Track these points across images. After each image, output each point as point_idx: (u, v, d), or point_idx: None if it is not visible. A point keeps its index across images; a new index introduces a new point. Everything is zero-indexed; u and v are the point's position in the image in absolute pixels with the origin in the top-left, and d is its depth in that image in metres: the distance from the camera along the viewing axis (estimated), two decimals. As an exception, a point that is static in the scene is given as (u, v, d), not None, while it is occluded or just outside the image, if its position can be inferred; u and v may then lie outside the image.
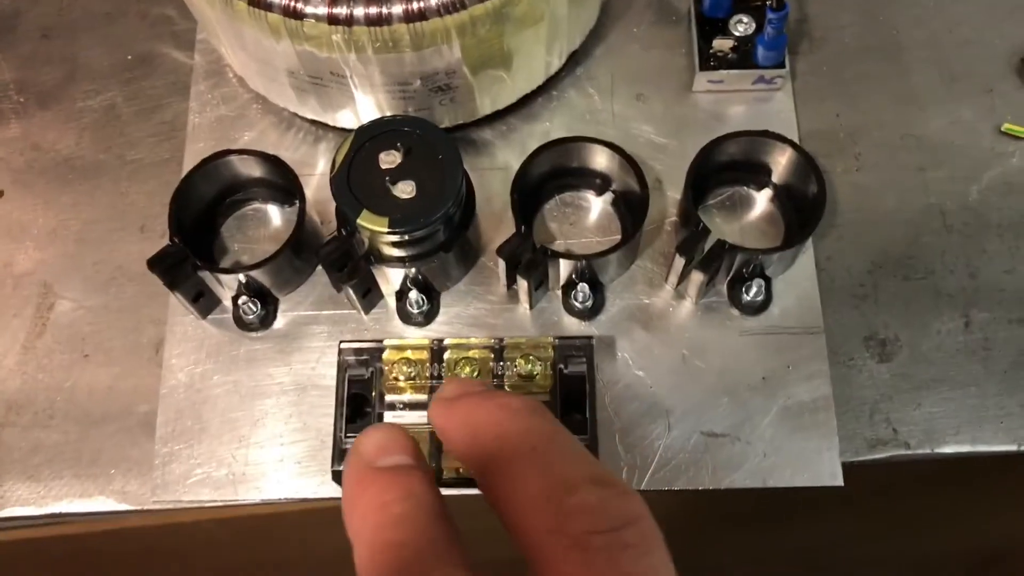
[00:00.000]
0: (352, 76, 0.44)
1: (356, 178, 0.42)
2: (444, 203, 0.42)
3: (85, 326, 0.49)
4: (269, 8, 0.41)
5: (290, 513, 0.59)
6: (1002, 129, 0.51)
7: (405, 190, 0.42)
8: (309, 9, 0.40)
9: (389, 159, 0.42)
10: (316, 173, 0.50)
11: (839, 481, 0.44)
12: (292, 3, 0.40)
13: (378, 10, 0.40)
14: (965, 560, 0.90)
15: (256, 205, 0.49)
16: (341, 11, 0.40)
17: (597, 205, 0.49)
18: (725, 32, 0.49)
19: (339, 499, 0.44)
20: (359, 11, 0.40)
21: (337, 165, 0.42)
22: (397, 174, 0.42)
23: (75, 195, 0.51)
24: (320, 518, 0.65)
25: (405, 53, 0.42)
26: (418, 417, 0.43)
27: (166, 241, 0.49)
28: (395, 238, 0.42)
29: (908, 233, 0.49)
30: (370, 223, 0.41)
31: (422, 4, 0.40)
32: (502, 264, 0.45)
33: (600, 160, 0.47)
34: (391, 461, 0.25)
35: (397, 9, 0.40)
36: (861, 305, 0.48)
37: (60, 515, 0.46)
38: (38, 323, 0.49)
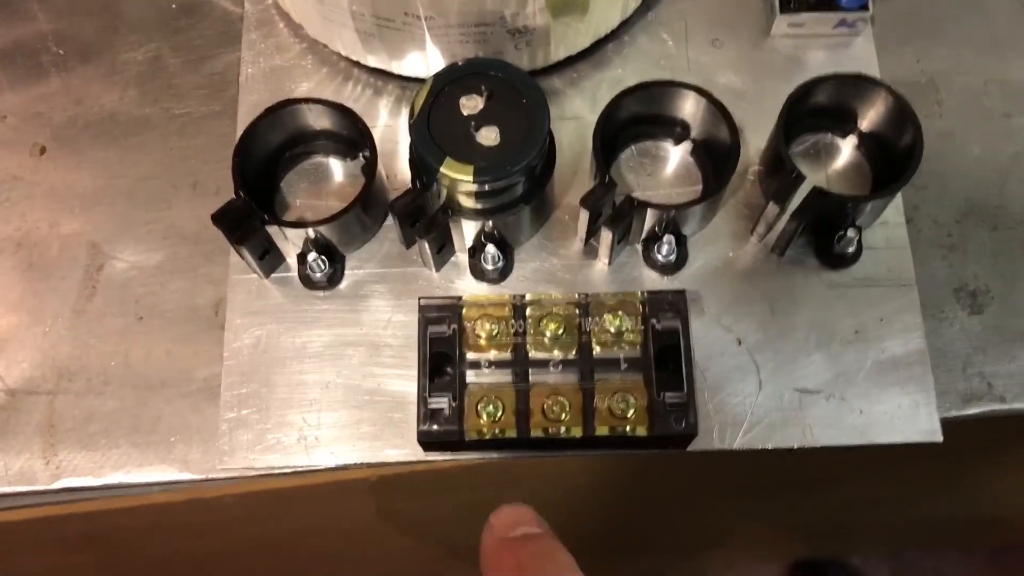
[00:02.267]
0: (428, 16, 0.41)
1: (437, 125, 0.40)
2: (531, 150, 0.39)
3: (138, 288, 0.46)
4: (346, -58, 0.38)
5: (314, 486, 0.57)
6: (1088, 73, 0.49)
7: (489, 137, 0.40)
8: (390, -58, 0.38)
9: (471, 104, 0.40)
10: (379, 125, 0.48)
11: (938, 437, 0.42)
12: (371, -64, 0.38)
13: (463, -57, 0.38)
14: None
15: (318, 159, 0.47)
16: (423, -56, 0.38)
17: (676, 154, 0.47)
18: (806, -28, 0.47)
19: (418, 462, 0.42)
20: (443, -56, 0.38)
21: (416, 111, 0.40)
22: (480, 120, 0.40)
23: (121, 151, 0.49)
24: (355, 487, 0.63)
25: (487, -9, 0.39)
26: (502, 376, 0.41)
27: (220, 198, 0.47)
28: (477, 188, 0.40)
29: (995, 181, 0.47)
30: (454, 172, 0.39)
31: (509, -63, 0.38)
32: (583, 216, 0.42)
33: (683, 107, 0.44)
34: (522, 531, 0.30)
35: (483, -58, 0.38)
36: (950, 256, 0.46)
37: (119, 485, 0.44)
38: (88, 286, 0.47)
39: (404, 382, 0.43)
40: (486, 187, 0.40)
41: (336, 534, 0.80)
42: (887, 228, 0.45)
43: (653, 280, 0.45)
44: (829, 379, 0.43)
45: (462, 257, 0.45)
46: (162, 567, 0.82)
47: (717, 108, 0.43)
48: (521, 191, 0.42)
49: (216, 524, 0.71)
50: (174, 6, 0.51)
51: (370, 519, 0.75)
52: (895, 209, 0.45)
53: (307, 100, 0.43)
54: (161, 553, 0.79)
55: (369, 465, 0.43)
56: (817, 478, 0.74)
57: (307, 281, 0.45)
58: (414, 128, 0.40)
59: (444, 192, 0.41)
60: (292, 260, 0.45)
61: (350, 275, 0.45)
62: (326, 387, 0.43)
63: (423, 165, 0.40)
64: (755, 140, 0.47)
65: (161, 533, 0.73)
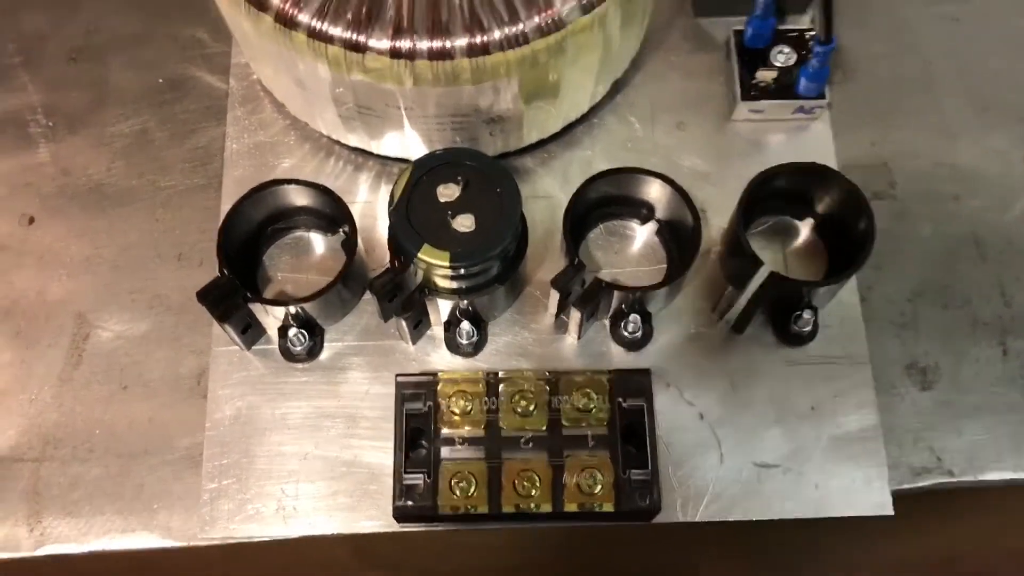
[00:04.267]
0: (407, 107, 0.43)
1: (415, 211, 0.42)
2: (504, 237, 0.41)
3: (123, 357, 0.48)
4: (330, 41, 0.40)
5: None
6: (1032, 159, 0.52)
7: (464, 224, 0.42)
8: (372, 43, 0.40)
9: (448, 192, 0.42)
10: (358, 201, 0.50)
11: (889, 511, 0.45)
12: (354, 36, 0.40)
13: (441, 44, 0.40)
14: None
15: (299, 233, 0.49)
16: (404, 45, 0.40)
17: (642, 234, 0.49)
18: (766, 62, 0.50)
19: (396, 533, 0.44)
20: (422, 45, 0.40)
21: (396, 198, 0.42)
22: (457, 207, 0.42)
23: (108, 221, 0.50)
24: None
25: (464, 87, 0.42)
26: (474, 452, 0.43)
27: (204, 269, 0.49)
28: (453, 272, 0.42)
29: (945, 261, 0.50)
30: (431, 257, 0.41)
31: (485, 39, 0.40)
32: (554, 295, 0.44)
33: (648, 190, 0.47)
34: None
35: (460, 43, 0.40)
36: (902, 334, 0.49)
37: (103, 553, 0.45)
38: (74, 354, 0.48)
39: (380, 454, 0.45)
40: (462, 271, 0.42)
41: (313, 572, 0.80)
42: (842, 307, 0.48)
43: (620, 354, 0.47)
44: (786, 453, 0.45)
45: (438, 331, 0.47)
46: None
47: (680, 195, 0.45)
48: (495, 272, 0.44)
49: (196, 569, 0.72)
50: (161, 80, 0.53)
51: (346, 559, 0.76)
52: (849, 290, 0.48)
53: (290, 181, 0.45)
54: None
55: (344, 536, 0.44)
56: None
57: (287, 354, 0.46)
58: (394, 214, 0.42)
59: (421, 273, 0.43)
60: (273, 333, 0.47)
61: (329, 347, 0.47)
62: (304, 458, 0.45)
63: (402, 249, 0.42)
64: (717, 220, 0.49)
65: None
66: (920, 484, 0.46)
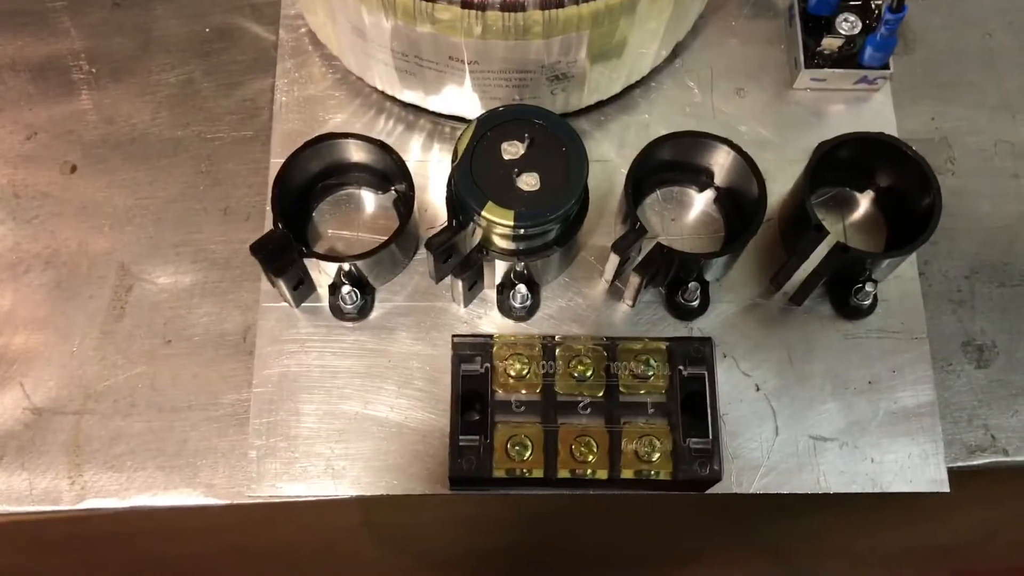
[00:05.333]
0: (471, 61, 0.42)
1: (479, 168, 0.41)
2: (570, 197, 0.40)
3: (167, 311, 0.47)
4: (400, -11, 0.39)
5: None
6: (1093, 138, 0.51)
7: (529, 182, 0.41)
8: (444, -8, 0.39)
9: (512, 149, 0.41)
10: (411, 160, 0.48)
11: (945, 487, 0.44)
12: (426, -15, 0.39)
13: (515, -5, 0.39)
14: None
15: (350, 190, 0.48)
16: (477, -5, 0.39)
17: (699, 201, 0.48)
18: (830, 30, 0.49)
19: (442, 494, 0.43)
20: (495, -4, 0.39)
21: (460, 153, 0.41)
22: (521, 165, 0.41)
23: (152, 172, 0.49)
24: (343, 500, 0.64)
25: (533, 41, 0.41)
26: (530, 416, 0.42)
27: (250, 224, 0.48)
28: (515, 232, 0.41)
29: (1003, 239, 0.49)
30: (496, 215, 0.40)
31: (560, -9, 0.39)
32: (612, 259, 0.44)
33: (710, 157, 0.46)
34: None
35: (534, -5, 0.39)
36: (959, 310, 0.48)
37: (144, 508, 0.45)
38: (116, 306, 0.47)
39: (429, 415, 0.44)
40: (524, 231, 0.41)
41: (313, 547, 0.80)
42: (901, 282, 0.47)
43: (674, 324, 0.46)
44: (843, 427, 0.45)
45: (489, 293, 0.46)
46: (139, 571, 0.81)
47: (746, 162, 0.44)
48: (554, 235, 0.43)
49: (199, 530, 0.71)
50: (207, 29, 0.52)
51: (350, 532, 0.75)
52: (909, 264, 0.47)
53: (349, 135, 0.44)
54: (140, 557, 0.78)
55: (396, 503, 0.43)
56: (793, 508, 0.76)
57: (337, 312, 0.45)
58: (457, 170, 0.41)
59: (480, 233, 0.42)
60: (323, 291, 0.46)
61: (379, 307, 0.46)
62: (353, 418, 0.44)
63: (464, 207, 0.41)
64: (775, 189, 0.48)
65: (143, 538, 0.73)
66: (974, 462, 0.46)
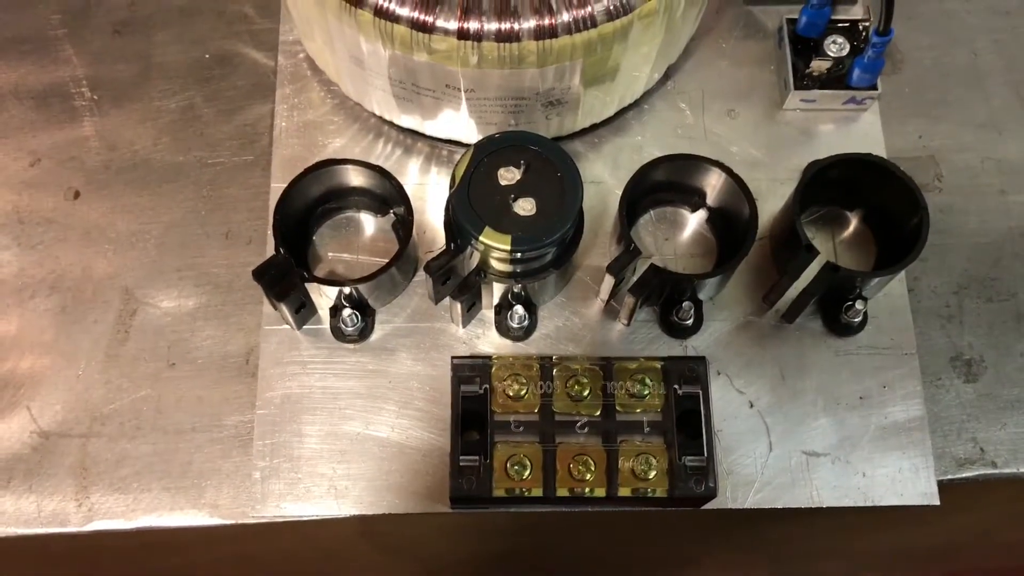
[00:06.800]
0: (467, 89, 0.43)
1: (476, 194, 0.42)
2: (565, 222, 0.41)
3: (170, 334, 0.48)
4: (396, 20, 0.40)
5: None
6: (1077, 154, 0.52)
7: (525, 207, 0.42)
8: (440, 23, 0.40)
9: (509, 175, 0.42)
10: (409, 184, 0.49)
11: (935, 500, 0.45)
12: (422, 17, 0.40)
13: (509, 26, 0.40)
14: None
15: (350, 213, 0.49)
16: (472, 26, 0.40)
17: (692, 221, 0.49)
18: (819, 52, 0.50)
19: (445, 513, 0.44)
20: (490, 26, 0.40)
21: (457, 179, 0.42)
22: (517, 191, 0.42)
23: (154, 198, 0.50)
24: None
25: (528, 69, 0.41)
26: (529, 436, 0.43)
27: (252, 248, 0.49)
28: (512, 256, 0.42)
29: (990, 254, 0.50)
30: (493, 240, 0.41)
31: (553, 21, 0.40)
32: (608, 280, 0.45)
33: (703, 177, 0.47)
34: None
35: (528, 25, 0.40)
36: (947, 326, 0.49)
37: (150, 529, 0.45)
38: (121, 330, 0.48)
39: (430, 435, 0.45)
40: (519, 255, 0.42)
41: (315, 555, 0.81)
42: (890, 299, 0.48)
43: (669, 342, 0.47)
44: (835, 442, 0.45)
45: (488, 314, 0.47)
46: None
47: (737, 183, 0.45)
48: (551, 257, 0.44)
49: (202, 541, 0.72)
50: (207, 56, 0.53)
51: (351, 540, 0.76)
52: (898, 281, 0.48)
53: (348, 161, 0.45)
54: (144, 571, 0.79)
55: (396, 516, 0.44)
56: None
57: (338, 334, 0.46)
58: (455, 196, 0.41)
59: (478, 256, 0.43)
60: (324, 313, 0.46)
61: (379, 329, 0.47)
62: (355, 439, 0.45)
63: (462, 231, 0.42)
64: (766, 208, 0.49)
65: (146, 551, 0.73)
66: (964, 475, 0.47)
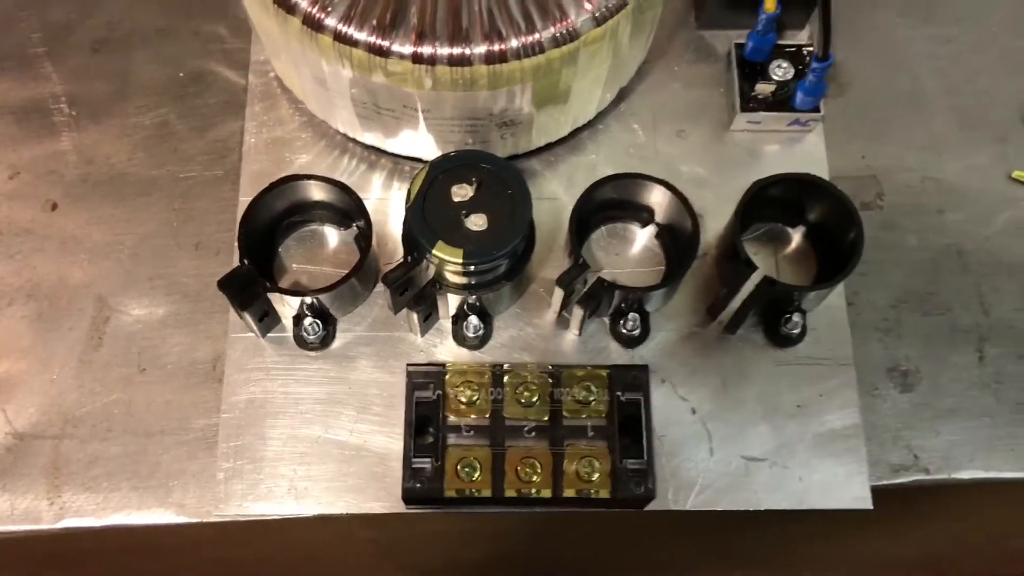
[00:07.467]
0: (424, 109, 0.45)
1: (431, 209, 0.44)
2: (515, 236, 0.44)
3: (141, 341, 0.50)
4: (355, 44, 0.42)
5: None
6: (1012, 176, 0.54)
7: (477, 223, 0.44)
8: (395, 47, 0.42)
9: (462, 192, 0.44)
10: (371, 198, 0.52)
11: (868, 505, 0.47)
12: (378, 41, 0.42)
13: (461, 51, 0.42)
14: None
15: (314, 227, 0.51)
16: (425, 50, 0.42)
17: (642, 237, 0.51)
18: (764, 75, 0.52)
19: (400, 514, 0.46)
20: (443, 51, 0.42)
21: (412, 196, 0.44)
22: (470, 207, 0.44)
23: (129, 210, 0.52)
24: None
25: (480, 92, 0.44)
26: (479, 439, 0.45)
27: (220, 259, 0.51)
28: (465, 268, 0.44)
29: (928, 270, 0.53)
30: (445, 254, 0.43)
31: (503, 47, 0.42)
32: (557, 292, 0.47)
33: (650, 195, 0.49)
34: None
35: (479, 50, 0.42)
36: (885, 338, 0.51)
37: (119, 527, 0.47)
38: (94, 336, 0.50)
39: (387, 439, 0.47)
40: (472, 268, 0.44)
41: (299, 559, 0.82)
42: (830, 311, 0.50)
43: (617, 351, 0.49)
44: (773, 448, 0.48)
45: (445, 324, 0.49)
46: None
47: (681, 201, 0.47)
48: (503, 270, 0.46)
49: (183, 547, 0.73)
50: (182, 74, 0.55)
51: (333, 545, 0.78)
52: (837, 295, 0.50)
53: (310, 176, 0.47)
54: (122, 573, 0.81)
55: (353, 516, 0.46)
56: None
57: (301, 342, 0.48)
58: (410, 212, 0.44)
59: (434, 268, 0.45)
60: (288, 322, 0.49)
61: (341, 337, 0.49)
62: (315, 442, 0.47)
63: (417, 245, 0.44)
64: (713, 225, 0.51)
65: (127, 555, 0.75)
66: (898, 481, 0.49)
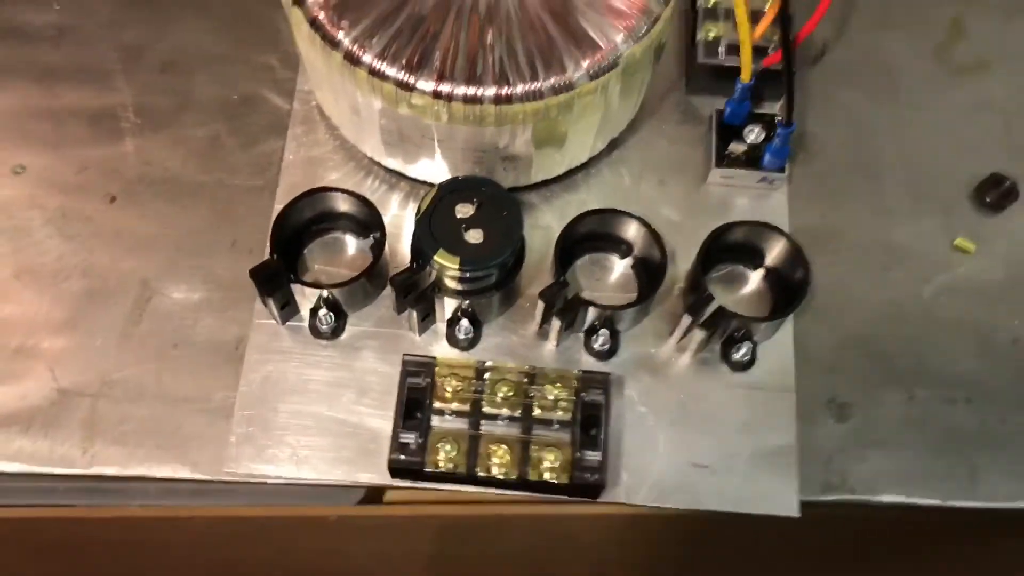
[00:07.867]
0: (440, 140, 0.53)
1: (436, 222, 0.51)
2: (505, 251, 0.51)
3: (177, 320, 0.57)
4: (385, 79, 0.50)
5: (278, 517, 0.66)
6: (954, 243, 0.61)
7: (475, 237, 0.51)
8: (419, 84, 0.50)
9: (464, 210, 0.52)
10: (389, 214, 0.59)
11: (795, 513, 0.53)
12: (406, 77, 0.50)
13: (474, 91, 0.50)
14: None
15: (337, 234, 0.59)
16: (444, 88, 0.50)
17: (620, 267, 0.59)
18: (740, 138, 0.60)
19: (386, 487, 0.52)
20: (459, 90, 0.50)
21: (422, 210, 0.52)
22: (470, 223, 0.52)
23: (177, 208, 0.60)
24: (314, 524, 0.71)
25: (488, 127, 0.52)
26: (460, 423, 0.52)
27: (253, 256, 0.58)
28: (461, 275, 0.51)
29: (871, 319, 0.59)
30: (444, 260, 0.50)
31: (509, 91, 0.50)
32: (540, 305, 0.54)
33: (628, 230, 0.57)
34: None
35: (489, 92, 0.50)
36: (827, 374, 0.58)
37: (141, 478, 0.54)
38: (136, 313, 0.57)
39: (381, 421, 0.54)
40: (467, 275, 0.51)
41: (287, 570, 0.87)
42: (778, 345, 0.57)
43: (589, 362, 0.56)
44: (718, 458, 0.54)
45: (441, 326, 0.57)
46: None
47: (653, 235, 0.55)
48: (494, 280, 0.53)
49: (183, 544, 0.79)
50: (235, 96, 0.64)
51: (321, 557, 0.83)
52: (785, 331, 0.57)
53: (337, 189, 0.55)
54: (126, 569, 0.86)
55: (345, 486, 0.53)
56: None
57: (315, 331, 0.56)
58: (419, 223, 0.51)
59: (435, 274, 0.53)
60: (305, 313, 0.56)
61: (350, 330, 0.56)
62: (319, 418, 0.54)
63: (421, 252, 0.52)
64: (684, 263, 0.59)
65: (130, 548, 0.80)
66: (827, 498, 0.55)
